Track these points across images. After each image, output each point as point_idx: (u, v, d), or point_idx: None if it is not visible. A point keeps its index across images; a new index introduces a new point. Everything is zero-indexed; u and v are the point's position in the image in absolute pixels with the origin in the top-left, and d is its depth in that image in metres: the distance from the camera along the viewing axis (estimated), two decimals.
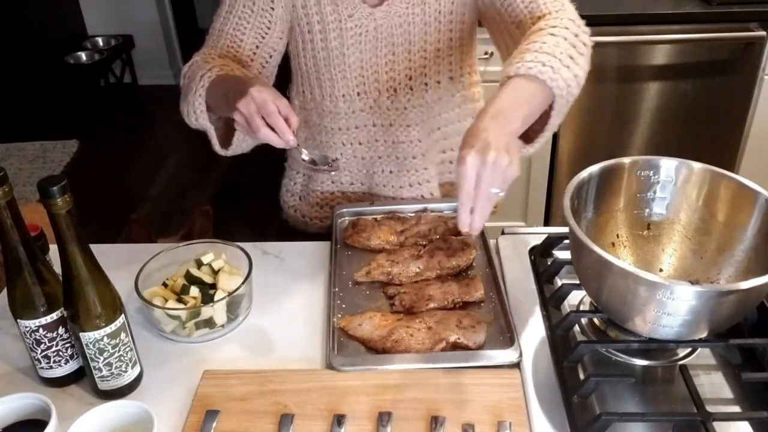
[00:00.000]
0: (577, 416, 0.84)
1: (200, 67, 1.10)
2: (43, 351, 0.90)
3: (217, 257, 1.08)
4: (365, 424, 0.86)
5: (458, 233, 1.15)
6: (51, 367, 0.92)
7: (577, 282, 1.01)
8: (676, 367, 0.92)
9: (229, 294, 1.00)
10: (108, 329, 0.86)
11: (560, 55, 0.97)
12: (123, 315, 0.88)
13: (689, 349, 0.95)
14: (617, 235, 1.06)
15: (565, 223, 0.92)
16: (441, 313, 1.01)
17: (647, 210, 1.05)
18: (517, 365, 0.93)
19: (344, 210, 1.26)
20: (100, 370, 0.89)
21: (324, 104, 1.28)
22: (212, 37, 1.22)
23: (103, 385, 0.91)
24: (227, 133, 1.15)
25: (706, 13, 2.14)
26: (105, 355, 0.87)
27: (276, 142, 0.98)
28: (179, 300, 1.01)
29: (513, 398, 0.88)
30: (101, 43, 4.04)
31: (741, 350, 0.95)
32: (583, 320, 1.00)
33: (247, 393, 0.91)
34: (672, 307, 0.83)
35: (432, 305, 1.03)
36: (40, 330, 0.89)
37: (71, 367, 0.93)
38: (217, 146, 1.13)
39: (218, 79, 1.07)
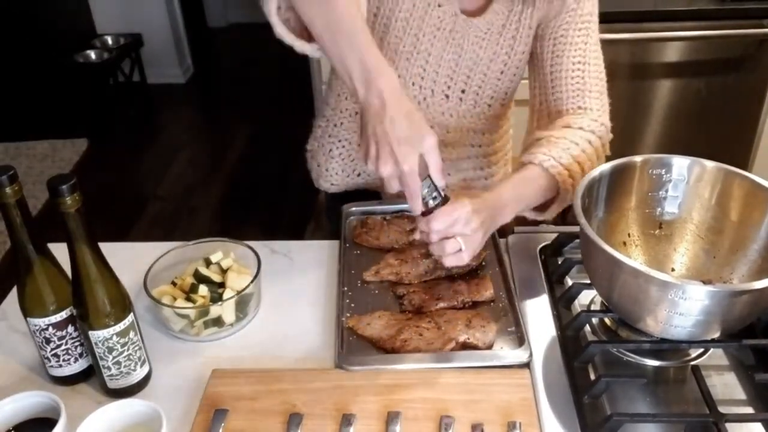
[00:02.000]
0: (587, 417, 0.83)
1: None
2: (52, 349, 0.90)
3: (226, 256, 1.07)
4: (374, 424, 0.85)
5: None
6: (60, 366, 0.92)
7: (588, 281, 1.01)
8: (688, 368, 0.91)
9: (238, 293, 1.00)
10: (117, 328, 0.86)
11: (579, 160, 1.09)
12: (132, 314, 0.88)
13: (701, 350, 0.94)
14: (629, 234, 1.05)
15: (575, 222, 0.92)
16: (450, 313, 1.01)
17: (659, 209, 1.04)
18: (527, 365, 0.93)
19: (353, 209, 1.26)
20: (109, 368, 0.89)
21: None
22: None
23: (112, 384, 0.91)
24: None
25: (718, 9, 2.12)
26: (114, 353, 0.87)
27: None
28: (188, 299, 1.01)
29: (523, 398, 0.88)
30: (110, 42, 4.05)
31: (754, 351, 0.94)
32: (594, 320, 0.99)
33: (256, 392, 0.90)
34: (684, 307, 0.82)
35: (441, 305, 1.03)
36: (50, 328, 0.89)
37: (80, 365, 0.93)
38: (271, 6, 0.95)
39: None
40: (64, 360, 0.92)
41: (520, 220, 1.16)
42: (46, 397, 0.83)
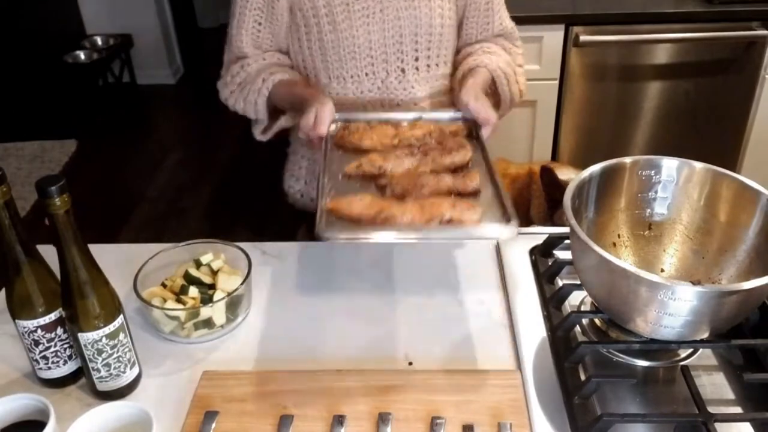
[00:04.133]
0: (578, 417, 0.84)
1: (260, 71, 1.28)
2: (41, 351, 0.90)
3: (216, 257, 1.07)
4: (365, 425, 0.85)
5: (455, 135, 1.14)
6: (49, 368, 0.92)
7: (578, 282, 1.01)
8: (678, 368, 0.91)
9: (229, 294, 0.99)
10: (107, 330, 0.86)
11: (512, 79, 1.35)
12: (122, 315, 0.88)
13: (691, 350, 0.94)
14: (618, 235, 1.06)
15: (565, 224, 0.92)
16: (435, 196, 0.96)
17: (648, 210, 1.05)
18: (518, 367, 0.93)
19: (337, 115, 1.18)
20: (98, 370, 0.88)
21: (331, 86, 1.32)
22: (233, 37, 1.32)
23: (101, 386, 0.90)
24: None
25: (707, 12, 2.13)
26: (104, 355, 0.87)
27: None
28: (178, 300, 1.01)
29: (514, 399, 0.88)
30: (100, 43, 4.03)
31: (743, 351, 0.94)
32: (584, 321, 1.00)
33: (247, 394, 0.90)
34: (673, 307, 0.82)
35: (425, 192, 0.98)
36: (39, 330, 0.88)
37: (70, 367, 0.93)
38: (258, 131, 1.35)
39: (280, 84, 1.26)
40: (53, 362, 0.91)
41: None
42: (35, 399, 0.82)
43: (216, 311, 0.99)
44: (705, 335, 0.89)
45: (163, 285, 1.04)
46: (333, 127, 1.15)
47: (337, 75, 1.31)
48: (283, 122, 1.33)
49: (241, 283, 1.00)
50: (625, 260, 1.03)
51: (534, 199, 1.64)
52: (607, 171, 1.01)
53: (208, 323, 1.00)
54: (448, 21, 1.31)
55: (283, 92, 1.27)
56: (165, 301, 1.00)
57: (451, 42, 1.36)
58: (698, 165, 1.01)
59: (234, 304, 1.01)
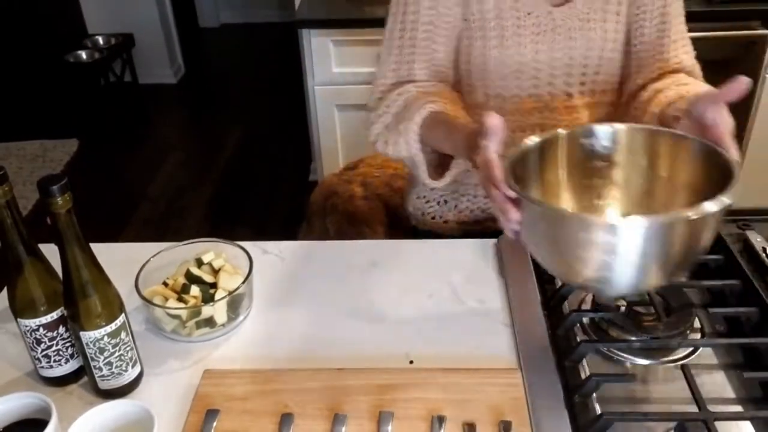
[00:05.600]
0: (578, 416, 0.84)
1: (417, 99, 1.12)
2: (43, 350, 0.90)
3: (218, 256, 1.07)
4: (366, 424, 0.85)
5: None
6: (51, 367, 0.92)
7: None
8: (678, 367, 0.91)
9: (230, 293, 1.00)
10: (108, 328, 0.86)
11: None
12: (123, 314, 0.88)
13: (691, 349, 0.94)
14: (598, 197, 1.00)
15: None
16: None
17: (594, 178, 0.98)
18: (518, 365, 0.93)
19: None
20: (100, 369, 0.89)
21: (487, 106, 1.23)
22: (403, 55, 1.19)
23: (103, 385, 0.90)
24: (438, 164, 1.15)
25: (707, 11, 2.13)
26: (105, 354, 0.87)
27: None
28: (180, 299, 1.01)
29: (514, 398, 0.88)
30: (101, 42, 4.04)
31: (743, 349, 0.94)
32: (585, 319, 1.00)
33: (248, 392, 0.91)
34: (622, 248, 0.76)
35: None
36: (41, 329, 0.88)
37: (71, 366, 0.93)
38: (424, 176, 1.14)
39: (437, 115, 1.08)
40: (55, 361, 0.92)
41: None
42: (37, 398, 0.82)
43: (217, 310, 0.99)
44: (660, 281, 0.84)
45: (165, 284, 1.05)
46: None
47: (496, 94, 1.22)
48: (459, 166, 1.12)
49: (243, 282, 1.01)
50: None
51: None
52: (545, 143, 0.94)
53: (210, 322, 1.00)
54: (621, 46, 1.22)
55: (439, 126, 1.08)
56: (166, 300, 1.01)
57: (618, 69, 1.25)
58: (631, 126, 0.97)
59: (235, 303, 1.01)
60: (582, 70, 1.22)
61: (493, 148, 0.85)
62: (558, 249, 0.84)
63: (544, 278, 1.08)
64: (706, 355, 0.95)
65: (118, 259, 1.05)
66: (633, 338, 0.94)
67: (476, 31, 1.18)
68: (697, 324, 0.98)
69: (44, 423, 0.78)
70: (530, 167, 0.93)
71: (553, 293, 1.04)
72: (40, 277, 0.87)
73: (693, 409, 0.84)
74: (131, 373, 0.92)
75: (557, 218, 0.81)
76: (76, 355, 0.93)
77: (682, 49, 1.23)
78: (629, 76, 1.25)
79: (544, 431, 0.83)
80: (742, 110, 2.29)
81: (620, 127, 0.97)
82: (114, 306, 0.87)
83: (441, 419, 0.85)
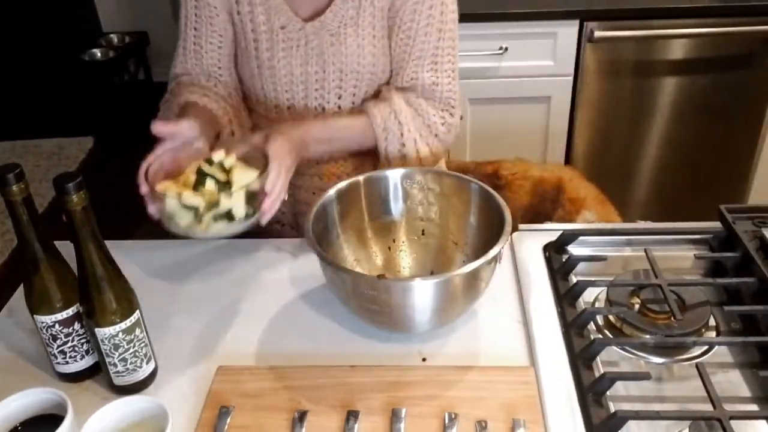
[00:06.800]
0: (592, 414, 0.83)
1: (179, 92, 1.21)
2: (59, 346, 0.91)
3: (228, 156, 1.01)
4: (379, 421, 0.85)
5: None
6: (67, 363, 0.93)
7: (593, 279, 1.01)
8: (693, 365, 0.91)
9: (248, 185, 0.95)
10: (123, 325, 0.87)
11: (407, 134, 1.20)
12: (138, 311, 0.89)
13: (706, 347, 0.94)
14: (393, 240, 1.12)
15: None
16: None
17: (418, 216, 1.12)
18: (532, 363, 0.93)
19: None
20: (115, 365, 0.89)
21: (258, 109, 1.28)
22: (179, 53, 1.27)
23: (118, 381, 0.91)
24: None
25: (723, 6, 2.11)
26: (120, 350, 0.88)
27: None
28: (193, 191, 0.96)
29: (527, 396, 0.88)
30: (116, 41, 4.05)
31: (759, 348, 0.93)
32: (599, 317, 0.99)
33: (261, 389, 0.91)
34: (384, 301, 0.91)
35: None
36: (56, 326, 0.89)
37: (87, 362, 0.94)
38: None
39: (187, 106, 1.17)
40: (70, 357, 0.92)
41: (524, 217, 1.16)
42: (53, 393, 0.83)
43: (235, 202, 0.94)
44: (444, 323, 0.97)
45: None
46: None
47: (262, 101, 1.25)
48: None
49: (260, 174, 0.96)
50: (403, 263, 1.12)
51: (560, 209, 1.63)
52: (343, 192, 1.07)
53: (228, 216, 0.95)
54: (382, 59, 1.21)
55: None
56: (180, 194, 0.95)
57: (383, 82, 1.25)
58: (416, 170, 1.11)
59: (252, 197, 0.96)
60: (338, 84, 1.21)
61: (157, 152, 1.00)
62: (352, 298, 0.97)
63: (557, 276, 1.08)
64: (722, 353, 0.94)
65: (133, 256, 1.05)
66: (647, 336, 0.94)
67: (241, 41, 1.23)
68: (712, 322, 0.98)
69: (60, 419, 0.79)
70: (332, 215, 1.06)
71: (567, 290, 1.03)
72: (55, 274, 0.88)
73: (708, 408, 0.83)
74: (146, 370, 0.92)
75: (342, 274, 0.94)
76: (91, 352, 0.93)
77: (426, 68, 1.20)
78: None
79: (557, 429, 0.83)
80: (758, 105, 2.27)
81: (407, 171, 1.10)
82: (129, 303, 0.87)
83: (453, 417, 0.85)
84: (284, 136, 1.06)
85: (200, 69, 1.26)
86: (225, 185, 0.97)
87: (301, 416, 0.86)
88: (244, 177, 0.98)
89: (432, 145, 1.23)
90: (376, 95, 1.25)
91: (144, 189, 0.95)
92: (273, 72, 1.21)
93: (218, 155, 1.00)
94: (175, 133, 1.02)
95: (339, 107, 1.24)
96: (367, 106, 1.20)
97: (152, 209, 0.95)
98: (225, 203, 0.94)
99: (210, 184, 0.96)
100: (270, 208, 0.97)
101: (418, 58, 1.20)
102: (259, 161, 1.01)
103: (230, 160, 1.01)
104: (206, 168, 0.98)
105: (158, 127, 1.01)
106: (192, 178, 0.98)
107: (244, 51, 1.23)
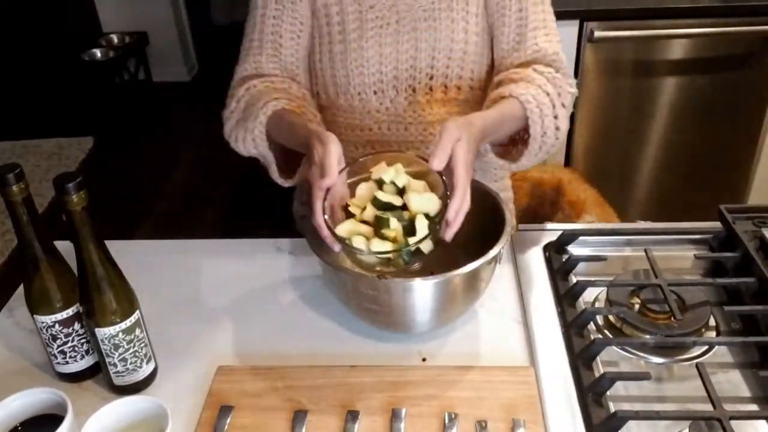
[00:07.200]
0: (592, 414, 0.83)
1: (261, 95, 1.11)
2: (59, 346, 0.91)
3: (398, 172, 0.92)
4: (379, 421, 0.85)
5: None
6: (67, 363, 0.93)
7: (593, 279, 1.01)
8: (693, 365, 0.91)
9: (432, 219, 0.88)
10: (123, 325, 0.87)
11: (550, 106, 1.08)
12: (138, 311, 0.89)
13: (706, 347, 0.94)
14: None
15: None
16: None
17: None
18: (531, 363, 0.93)
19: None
20: (115, 365, 0.89)
21: (338, 102, 1.22)
22: (252, 48, 1.19)
23: (118, 381, 0.91)
24: (286, 162, 1.14)
25: (723, 6, 2.11)
26: (120, 350, 0.88)
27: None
28: (377, 235, 0.89)
29: (527, 396, 0.88)
30: (116, 41, 4.06)
31: (759, 348, 0.93)
32: (599, 317, 0.99)
33: (261, 389, 0.91)
34: (387, 300, 0.92)
35: None
36: (56, 326, 0.89)
37: (87, 362, 0.94)
38: (275, 175, 1.14)
39: (283, 113, 1.07)
40: (70, 357, 0.92)
41: (523, 219, 1.16)
42: (53, 393, 0.83)
43: (421, 234, 0.88)
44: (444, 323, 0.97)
45: (347, 212, 0.93)
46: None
47: (345, 90, 1.19)
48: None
49: (441, 200, 0.88)
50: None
51: (560, 212, 1.62)
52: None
53: (417, 253, 0.90)
54: (474, 38, 1.17)
55: (284, 124, 1.07)
56: (368, 240, 0.89)
57: (478, 65, 1.20)
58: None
59: (434, 227, 0.89)
60: (430, 63, 1.17)
61: (319, 210, 0.89)
62: (353, 299, 0.97)
63: (557, 276, 1.08)
64: (722, 353, 0.94)
65: (133, 257, 1.05)
66: (647, 336, 0.94)
67: (323, 27, 1.18)
68: (712, 322, 0.98)
69: (60, 419, 0.79)
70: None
71: (566, 290, 1.03)
72: (55, 274, 0.88)
73: (708, 408, 0.83)
74: (146, 370, 0.92)
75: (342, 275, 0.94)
76: (91, 352, 0.93)
77: (543, 38, 1.16)
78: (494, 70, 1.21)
79: (557, 429, 0.83)
80: (758, 105, 2.27)
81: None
82: (129, 303, 0.87)
83: (453, 417, 0.85)
84: (469, 135, 0.93)
85: (277, 64, 1.19)
86: (409, 227, 0.89)
87: (302, 416, 0.86)
88: (422, 202, 0.90)
89: (563, 115, 1.12)
90: (463, 74, 1.20)
91: (325, 233, 0.89)
92: (360, 54, 1.16)
93: (388, 174, 0.93)
94: (336, 175, 0.90)
95: (430, 89, 1.19)
96: (507, 90, 1.07)
97: (337, 248, 0.90)
98: (412, 243, 0.89)
99: (394, 224, 0.89)
100: (451, 237, 0.89)
101: (534, 29, 1.15)
102: (419, 164, 0.94)
103: (402, 178, 0.92)
104: (382, 196, 0.91)
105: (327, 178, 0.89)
106: (370, 212, 0.91)
107: (324, 38, 1.18)
